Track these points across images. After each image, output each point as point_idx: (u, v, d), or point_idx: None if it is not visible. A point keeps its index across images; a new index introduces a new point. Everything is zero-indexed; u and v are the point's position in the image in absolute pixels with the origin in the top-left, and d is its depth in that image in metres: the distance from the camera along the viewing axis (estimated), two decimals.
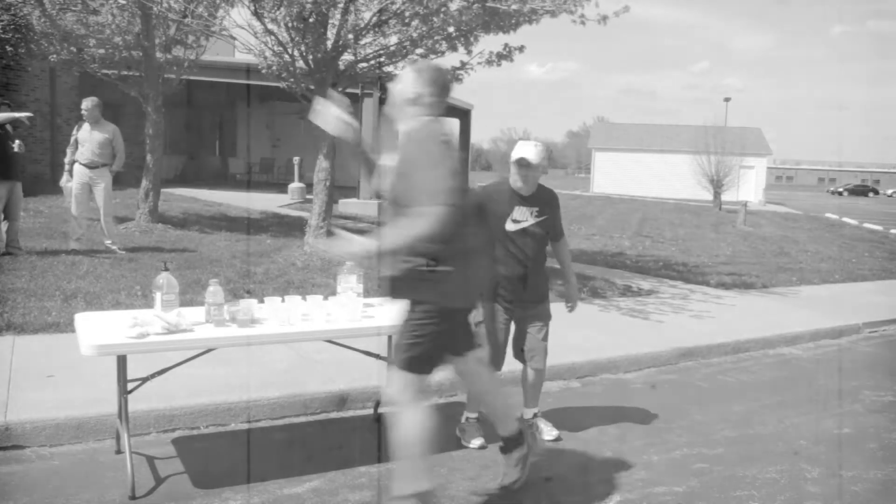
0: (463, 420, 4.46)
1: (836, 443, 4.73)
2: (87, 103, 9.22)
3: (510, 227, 4.29)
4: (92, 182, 9.19)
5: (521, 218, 4.31)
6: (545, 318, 4.53)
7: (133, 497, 3.48)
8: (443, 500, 3.65)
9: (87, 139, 9.14)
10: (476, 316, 4.41)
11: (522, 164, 4.21)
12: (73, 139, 9.30)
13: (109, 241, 9.21)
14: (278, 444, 4.31)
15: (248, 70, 15.63)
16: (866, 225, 26.85)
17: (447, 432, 4.49)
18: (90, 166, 9.16)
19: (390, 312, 4.34)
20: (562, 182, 67.93)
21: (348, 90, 10.93)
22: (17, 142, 8.39)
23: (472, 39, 9.04)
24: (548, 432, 4.53)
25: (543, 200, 4.39)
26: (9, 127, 8.36)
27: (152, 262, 8.37)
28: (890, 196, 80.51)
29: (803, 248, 16.46)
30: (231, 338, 3.74)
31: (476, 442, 4.33)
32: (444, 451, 4.24)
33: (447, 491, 3.74)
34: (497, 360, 4.39)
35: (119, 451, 3.95)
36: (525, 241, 4.33)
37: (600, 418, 4.95)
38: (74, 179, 9.20)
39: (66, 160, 9.35)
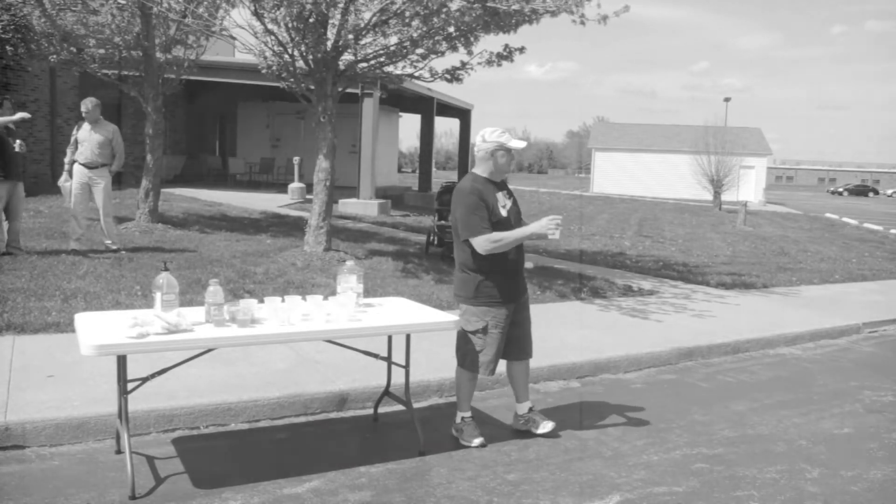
0: (458, 420, 4.45)
1: (836, 443, 4.73)
2: (87, 103, 9.22)
3: (504, 213, 4.32)
4: (91, 182, 9.19)
5: (504, 203, 4.35)
6: (528, 308, 4.57)
7: (133, 497, 3.48)
8: (442, 500, 3.65)
9: (87, 139, 9.14)
10: (475, 322, 4.34)
11: (516, 152, 4.40)
12: (72, 139, 9.29)
13: (109, 241, 9.21)
14: (278, 444, 4.30)
15: (248, 70, 15.62)
16: (866, 225, 26.86)
17: (447, 432, 4.49)
18: (90, 166, 9.16)
19: (390, 312, 4.36)
20: (562, 182, 67.98)
21: (348, 90, 10.93)
22: (18, 141, 8.37)
23: (472, 39, 9.05)
24: (543, 426, 4.53)
25: (505, 183, 4.50)
26: (11, 125, 8.37)
27: (152, 262, 8.37)
28: (890, 196, 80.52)
29: (803, 248, 16.46)
30: (231, 338, 3.74)
31: (476, 441, 4.33)
32: (444, 451, 4.25)
33: (447, 491, 3.75)
34: (496, 365, 4.39)
35: (119, 451, 3.95)
36: (513, 228, 4.35)
37: (600, 418, 4.95)
38: (74, 179, 9.20)
39: (66, 160, 9.34)
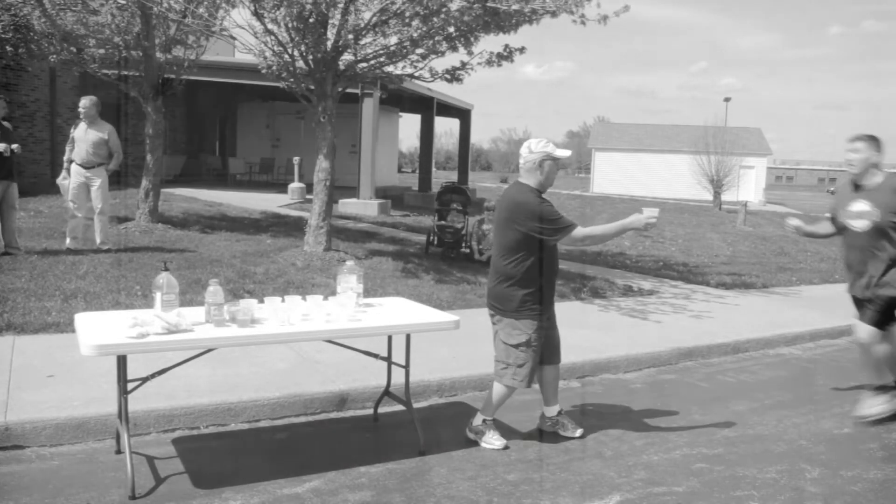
0: (479, 422, 4.41)
1: (836, 443, 4.73)
2: (85, 101, 9.20)
3: None
4: (88, 181, 9.18)
5: None
6: (554, 314, 4.56)
7: (133, 497, 3.48)
8: (443, 500, 3.65)
9: (82, 138, 9.12)
10: (517, 335, 4.28)
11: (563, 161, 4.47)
12: (71, 137, 9.29)
13: (101, 241, 9.18)
14: (278, 444, 4.30)
15: (248, 70, 15.62)
16: None
17: (447, 432, 4.49)
18: (85, 166, 9.15)
19: (390, 312, 4.36)
20: (562, 182, 67.90)
21: (348, 90, 10.93)
22: (14, 146, 8.31)
23: (472, 39, 9.05)
24: (572, 430, 4.56)
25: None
26: (8, 125, 8.34)
27: (152, 262, 8.37)
28: None
29: (803, 248, 16.46)
30: (231, 338, 3.74)
31: (500, 442, 4.32)
32: (444, 451, 4.25)
33: (447, 491, 3.75)
34: (534, 375, 4.39)
35: (119, 451, 3.95)
36: None
37: (600, 418, 4.96)
38: (72, 178, 9.19)
39: (65, 158, 9.35)
